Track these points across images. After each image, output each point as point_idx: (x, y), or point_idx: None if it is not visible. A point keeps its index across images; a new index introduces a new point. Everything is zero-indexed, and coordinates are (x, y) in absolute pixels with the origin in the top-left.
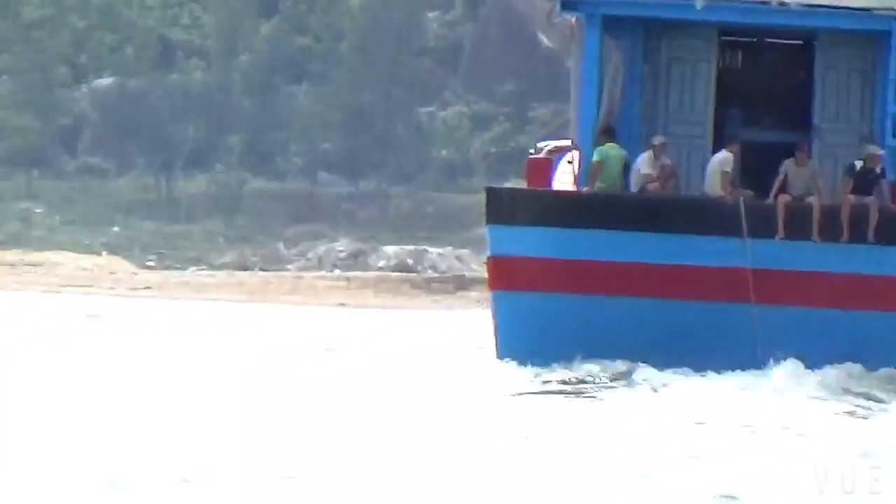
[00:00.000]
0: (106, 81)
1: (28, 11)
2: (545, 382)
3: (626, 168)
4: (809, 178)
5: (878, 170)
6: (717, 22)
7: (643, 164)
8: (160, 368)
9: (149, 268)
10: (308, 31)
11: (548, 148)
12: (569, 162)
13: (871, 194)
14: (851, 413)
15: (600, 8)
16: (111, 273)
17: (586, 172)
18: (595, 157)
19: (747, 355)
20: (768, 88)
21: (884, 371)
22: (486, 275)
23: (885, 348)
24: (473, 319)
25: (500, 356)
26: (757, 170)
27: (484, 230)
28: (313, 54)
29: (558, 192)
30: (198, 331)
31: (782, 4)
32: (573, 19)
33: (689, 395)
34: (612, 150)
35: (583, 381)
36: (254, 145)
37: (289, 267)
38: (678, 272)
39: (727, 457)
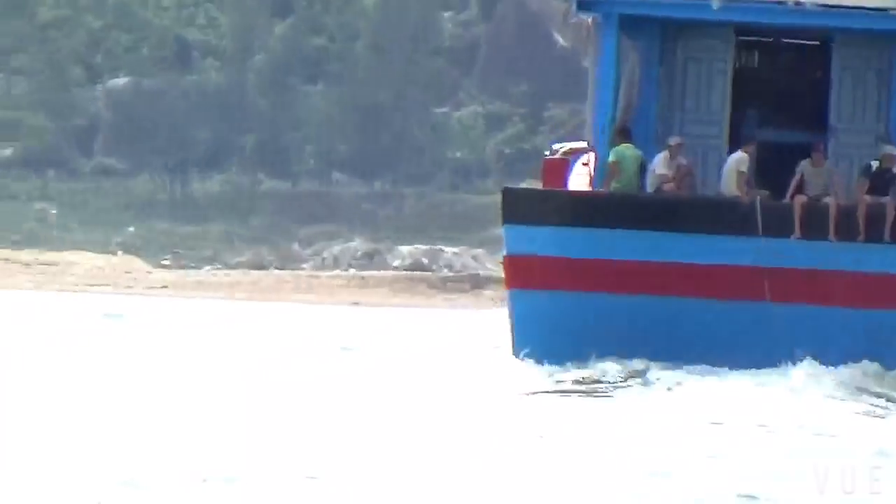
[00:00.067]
0: (121, 81)
1: (43, 11)
2: (561, 381)
3: (643, 168)
4: (826, 178)
5: (894, 170)
6: (734, 22)
7: (659, 164)
8: (181, 368)
9: (164, 267)
10: (323, 30)
11: (563, 150)
12: (584, 164)
13: (887, 194)
14: (868, 413)
15: (617, 8)
16: (127, 272)
17: (602, 172)
18: (611, 158)
19: (763, 354)
20: (785, 89)
21: None
22: (501, 274)
23: None
24: (489, 318)
25: (516, 355)
26: (773, 170)
27: (499, 230)
28: (328, 54)
29: (574, 192)
30: (215, 330)
31: (799, 4)
32: (590, 19)
33: (704, 395)
34: (627, 150)
35: (598, 381)
36: (269, 145)
37: (304, 266)
38: (694, 271)
39: (744, 456)
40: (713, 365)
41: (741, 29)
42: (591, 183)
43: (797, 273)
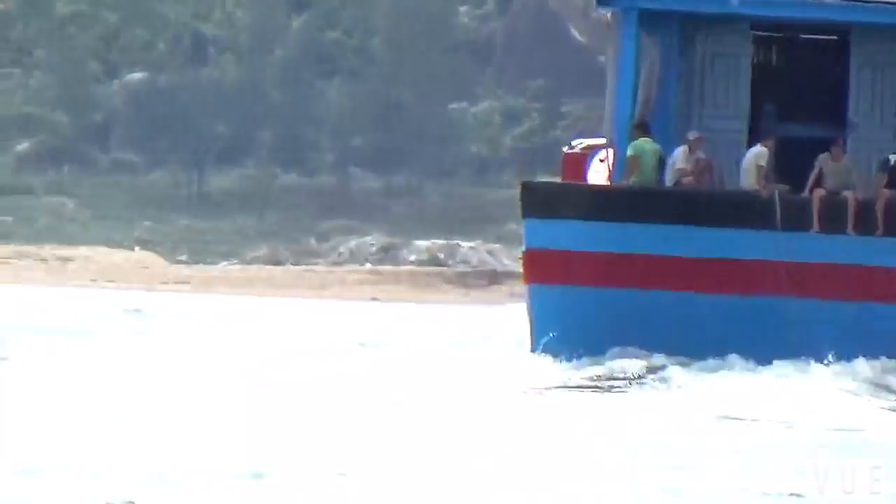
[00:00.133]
0: (138, 76)
1: (60, 7)
2: (580, 376)
3: (661, 162)
4: (844, 172)
5: None
6: (753, 17)
7: (678, 158)
8: (205, 365)
9: (181, 262)
10: (339, 25)
11: (582, 145)
12: (601, 160)
13: None
14: (892, 408)
15: (637, 2)
16: (144, 267)
17: (621, 167)
18: (630, 152)
19: (782, 349)
20: (803, 83)
21: None
22: (518, 269)
23: None
24: (506, 313)
25: (535, 350)
26: (792, 164)
27: (515, 225)
28: (345, 49)
29: (594, 186)
30: (234, 326)
31: None
32: (609, 14)
33: (724, 391)
34: (646, 144)
35: (617, 376)
36: (285, 140)
37: (320, 261)
38: (713, 266)
39: (771, 453)
40: (731, 360)
41: (761, 24)
42: (610, 178)
43: (816, 267)
